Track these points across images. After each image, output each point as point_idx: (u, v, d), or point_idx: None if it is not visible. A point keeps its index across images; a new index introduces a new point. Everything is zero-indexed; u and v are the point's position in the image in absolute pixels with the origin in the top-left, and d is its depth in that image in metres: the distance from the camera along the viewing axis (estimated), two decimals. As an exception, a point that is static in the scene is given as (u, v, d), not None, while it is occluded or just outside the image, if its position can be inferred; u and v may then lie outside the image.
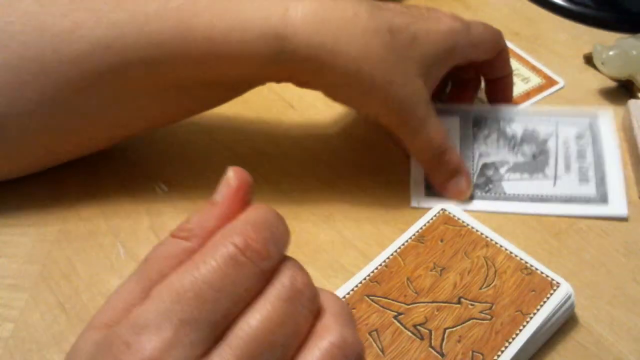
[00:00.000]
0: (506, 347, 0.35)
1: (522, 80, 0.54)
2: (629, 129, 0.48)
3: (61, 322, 0.38)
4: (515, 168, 0.45)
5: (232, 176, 0.27)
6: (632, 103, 0.49)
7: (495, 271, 0.38)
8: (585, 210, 0.43)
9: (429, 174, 0.45)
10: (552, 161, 0.45)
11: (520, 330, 0.35)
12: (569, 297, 0.37)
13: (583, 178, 0.45)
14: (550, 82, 0.54)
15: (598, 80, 0.54)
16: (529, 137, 0.47)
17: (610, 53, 0.50)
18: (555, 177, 0.45)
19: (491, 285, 0.37)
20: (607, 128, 0.47)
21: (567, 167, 0.45)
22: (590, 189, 0.44)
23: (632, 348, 0.37)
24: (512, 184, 0.45)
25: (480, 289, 0.37)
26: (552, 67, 0.55)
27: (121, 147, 0.46)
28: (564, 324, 0.38)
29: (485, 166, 0.46)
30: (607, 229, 0.43)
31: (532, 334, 0.35)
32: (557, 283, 0.37)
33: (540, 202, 0.44)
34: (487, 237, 0.40)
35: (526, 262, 0.38)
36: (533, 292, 0.37)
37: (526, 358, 0.36)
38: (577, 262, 0.41)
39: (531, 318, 0.36)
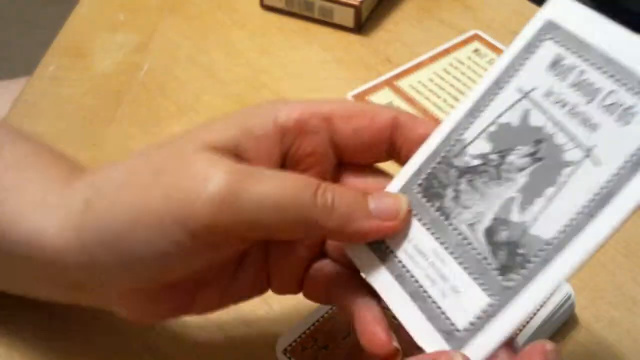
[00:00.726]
0: (506, 347, 0.34)
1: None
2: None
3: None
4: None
5: None
6: (633, 103, 0.49)
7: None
8: None
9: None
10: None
11: (520, 331, 0.35)
12: (569, 297, 0.37)
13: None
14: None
15: (598, 81, 0.54)
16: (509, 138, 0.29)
17: (611, 53, 0.50)
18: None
19: (491, 285, 0.37)
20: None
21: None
22: None
23: (632, 348, 0.37)
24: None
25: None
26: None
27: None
28: (564, 324, 0.38)
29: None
30: (607, 229, 0.43)
31: (532, 334, 0.35)
32: (557, 283, 0.37)
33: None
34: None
35: (526, 262, 0.38)
36: (533, 292, 0.37)
37: (526, 358, 0.36)
38: (577, 262, 0.41)
39: (531, 318, 0.36)
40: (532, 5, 0.61)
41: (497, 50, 0.54)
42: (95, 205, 0.29)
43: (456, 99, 0.51)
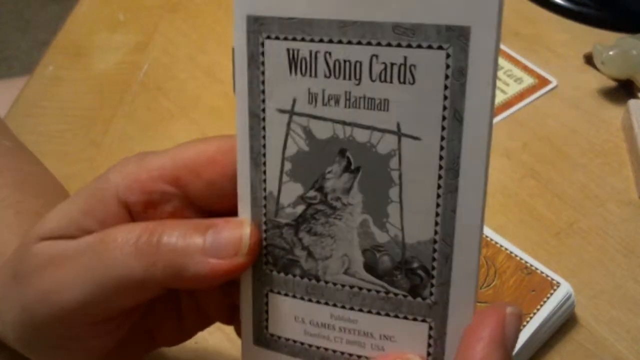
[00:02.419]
0: (506, 347, 0.34)
1: (515, 81, 0.54)
2: (629, 129, 0.48)
3: None
4: None
5: None
6: (632, 103, 0.49)
7: (495, 271, 0.38)
8: None
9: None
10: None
11: (521, 330, 0.35)
12: (569, 297, 0.37)
13: None
14: (544, 82, 0.54)
15: (598, 80, 0.54)
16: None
17: (610, 53, 0.50)
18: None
19: (491, 285, 0.37)
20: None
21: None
22: None
23: (632, 348, 0.37)
24: None
25: (481, 288, 0.37)
26: (552, 67, 0.55)
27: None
28: (564, 324, 0.38)
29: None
30: (607, 229, 0.43)
31: (532, 333, 0.35)
32: (557, 283, 0.37)
33: None
34: (487, 237, 0.40)
35: (526, 262, 0.38)
36: (533, 292, 0.37)
37: (526, 358, 0.36)
38: (577, 262, 0.41)
39: (531, 318, 0.36)
40: (532, 5, 0.61)
41: (497, 50, 0.54)
42: None
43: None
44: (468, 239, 0.22)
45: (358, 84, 0.22)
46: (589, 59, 0.55)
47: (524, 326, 0.35)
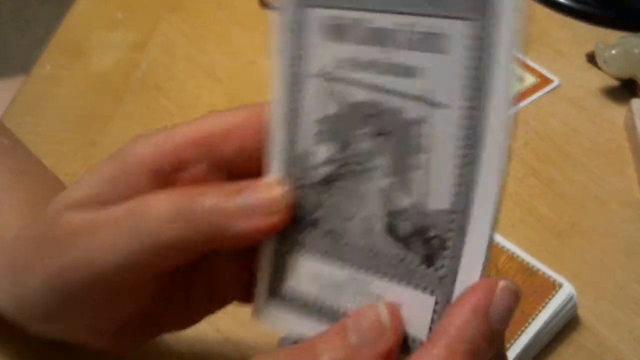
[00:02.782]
0: (508, 348, 0.34)
1: (516, 80, 0.53)
2: (632, 128, 0.48)
3: None
4: None
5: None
6: (635, 102, 0.49)
7: (497, 272, 0.38)
8: None
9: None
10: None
11: (523, 331, 0.35)
12: (571, 298, 0.37)
13: None
14: (545, 80, 0.53)
15: (600, 79, 0.53)
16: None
17: (613, 52, 0.50)
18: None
19: (493, 286, 0.37)
20: None
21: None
22: None
23: (634, 349, 0.37)
24: None
25: (482, 289, 0.37)
26: (554, 66, 0.55)
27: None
28: (566, 325, 0.38)
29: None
30: (609, 229, 0.43)
31: (534, 334, 0.35)
32: (560, 284, 0.37)
33: None
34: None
35: (528, 263, 0.38)
36: (535, 293, 0.37)
37: (528, 359, 0.36)
38: (580, 262, 0.41)
39: (533, 319, 0.35)
40: (535, 4, 0.61)
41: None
42: (13, 268, 0.29)
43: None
44: (484, 212, 0.22)
45: (393, 52, 0.23)
46: (591, 58, 0.55)
47: (526, 327, 0.35)
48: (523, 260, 0.38)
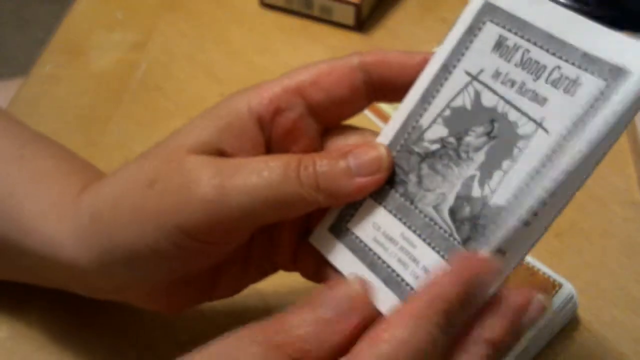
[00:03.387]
0: (508, 349, 0.34)
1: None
2: (632, 128, 0.48)
3: None
4: None
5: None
6: (634, 102, 0.49)
7: (497, 272, 0.38)
8: None
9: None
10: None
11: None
12: (571, 298, 0.37)
13: None
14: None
15: (600, 79, 0.53)
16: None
17: (612, 52, 0.50)
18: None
19: (493, 286, 0.37)
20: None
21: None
22: None
23: (634, 349, 0.37)
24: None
25: (482, 289, 0.37)
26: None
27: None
28: (566, 325, 0.38)
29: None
30: (609, 229, 0.43)
31: (534, 335, 0.35)
32: (560, 284, 0.37)
33: None
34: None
35: (528, 263, 0.38)
36: (535, 293, 0.37)
37: (528, 359, 0.36)
38: (580, 262, 0.41)
39: (533, 319, 0.35)
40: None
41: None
42: (99, 219, 0.31)
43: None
44: (533, 229, 0.27)
45: (534, 80, 0.27)
46: (590, 58, 0.55)
47: (526, 327, 0.35)
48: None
